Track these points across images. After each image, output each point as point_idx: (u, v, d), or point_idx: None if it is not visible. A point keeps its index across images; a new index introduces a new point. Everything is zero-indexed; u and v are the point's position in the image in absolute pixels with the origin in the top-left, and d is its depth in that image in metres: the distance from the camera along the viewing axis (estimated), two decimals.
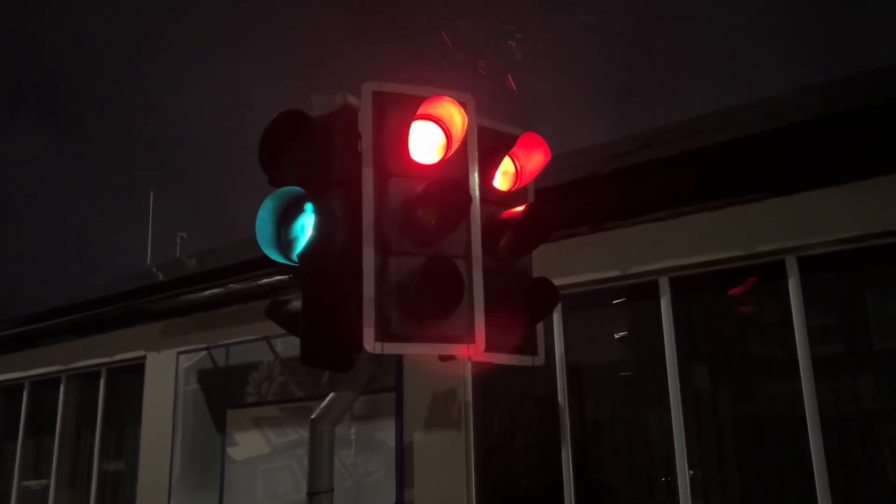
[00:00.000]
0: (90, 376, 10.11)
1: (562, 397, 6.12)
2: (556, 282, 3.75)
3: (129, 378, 9.55)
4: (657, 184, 5.90)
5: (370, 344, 3.17)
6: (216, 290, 8.32)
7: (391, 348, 3.23)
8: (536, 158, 3.72)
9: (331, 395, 3.50)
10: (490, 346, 3.41)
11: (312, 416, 3.45)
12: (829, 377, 5.20)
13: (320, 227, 3.25)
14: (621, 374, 6.08)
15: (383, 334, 3.20)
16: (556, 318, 6.21)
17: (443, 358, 3.56)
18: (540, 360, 3.83)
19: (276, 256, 3.40)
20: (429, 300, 3.19)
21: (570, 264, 6.02)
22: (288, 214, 3.45)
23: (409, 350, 3.37)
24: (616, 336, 6.16)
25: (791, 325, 5.31)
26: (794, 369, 5.26)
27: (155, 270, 13.12)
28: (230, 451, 8.11)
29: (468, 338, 3.34)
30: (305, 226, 3.38)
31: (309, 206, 3.34)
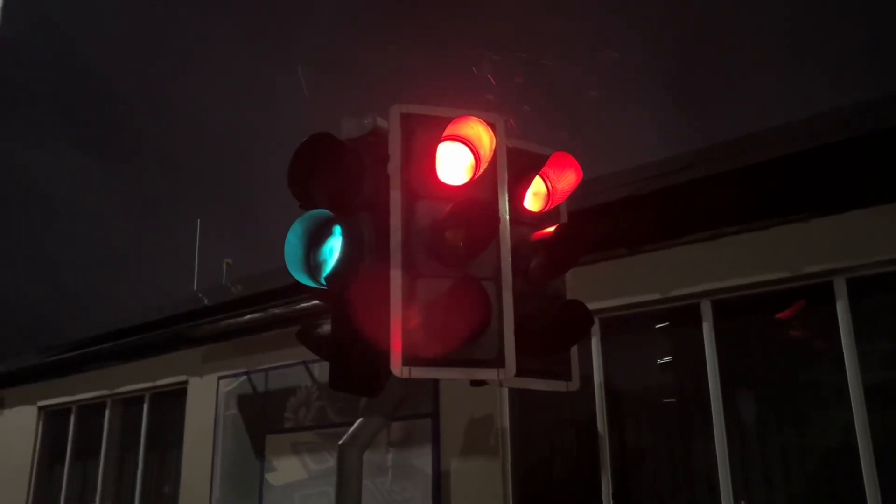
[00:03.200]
0: (134, 401, 10.24)
1: (601, 424, 5.97)
2: (595, 305, 3.66)
3: (171, 403, 9.64)
4: (698, 204, 5.77)
5: (397, 368, 3.12)
6: (256, 315, 8.38)
7: (419, 372, 3.17)
8: (568, 178, 3.66)
9: (358, 420, 3.45)
10: (521, 371, 3.33)
11: (340, 442, 3.41)
12: (882, 405, 4.97)
13: (348, 249, 3.22)
14: (663, 400, 5.90)
15: (411, 358, 3.14)
16: (595, 342, 6.08)
17: (474, 383, 3.49)
18: (574, 385, 3.72)
19: (305, 280, 3.39)
20: (456, 323, 3.13)
21: (610, 287, 5.90)
22: (317, 237, 3.44)
23: (437, 374, 3.30)
24: (657, 361, 6.00)
25: (840, 350, 5.10)
26: (844, 396, 5.04)
27: (200, 296, 13.31)
28: (268, 476, 8.09)
29: (498, 362, 3.26)
30: (334, 249, 3.36)
31: (337, 229, 3.32)
